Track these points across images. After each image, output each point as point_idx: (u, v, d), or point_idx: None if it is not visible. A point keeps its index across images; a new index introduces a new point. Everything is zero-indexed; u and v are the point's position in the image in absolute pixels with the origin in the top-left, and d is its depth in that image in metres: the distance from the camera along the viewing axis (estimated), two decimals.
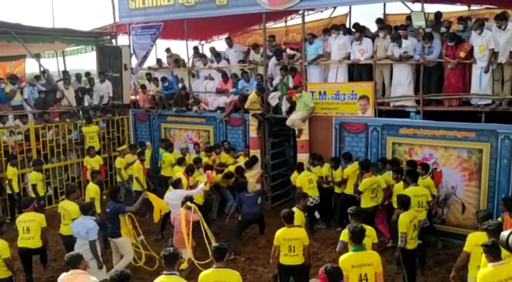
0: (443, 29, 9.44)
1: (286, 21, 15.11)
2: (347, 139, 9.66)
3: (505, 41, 7.97)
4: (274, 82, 10.48)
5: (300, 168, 9.29)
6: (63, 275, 5.03)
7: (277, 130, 10.93)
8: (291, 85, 10.17)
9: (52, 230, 9.37)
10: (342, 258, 5.03)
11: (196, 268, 7.21)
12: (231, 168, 10.03)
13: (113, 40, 13.35)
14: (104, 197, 11.33)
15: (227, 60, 11.92)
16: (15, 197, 10.03)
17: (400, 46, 9.03)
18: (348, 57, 9.68)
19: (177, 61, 12.95)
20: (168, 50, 13.41)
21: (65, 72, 13.37)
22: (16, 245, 7.17)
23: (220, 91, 11.55)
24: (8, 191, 10.03)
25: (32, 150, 10.78)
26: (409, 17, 9.75)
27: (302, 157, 9.91)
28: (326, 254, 8.11)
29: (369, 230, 5.72)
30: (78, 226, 6.63)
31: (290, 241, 5.99)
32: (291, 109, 10.02)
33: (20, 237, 7.05)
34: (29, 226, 7.00)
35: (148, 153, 11.51)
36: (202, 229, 7.69)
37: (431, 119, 8.84)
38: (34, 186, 9.62)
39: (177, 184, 8.28)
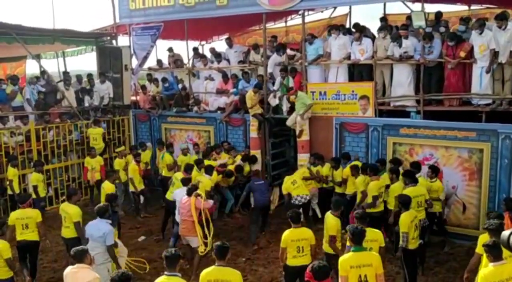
0: (442, 29, 9.44)
1: (286, 22, 15.12)
2: (348, 139, 9.66)
3: (506, 41, 7.96)
4: (276, 86, 10.47)
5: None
6: (68, 269, 5.21)
7: (278, 130, 10.93)
8: (291, 86, 10.16)
9: (53, 230, 9.39)
10: (341, 258, 5.01)
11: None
12: (231, 168, 10.04)
13: (113, 41, 13.37)
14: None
15: (227, 60, 11.93)
16: (16, 198, 10.02)
17: (400, 46, 9.03)
18: (348, 57, 9.68)
19: (176, 61, 12.96)
20: (170, 49, 13.43)
21: (65, 73, 13.40)
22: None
23: (220, 92, 11.56)
24: (9, 192, 10.03)
25: (33, 150, 10.79)
26: (409, 17, 9.75)
27: (303, 157, 9.91)
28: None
29: (376, 234, 5.68)
30: (93, 228, 6.40)
31: (299, 241, 5.93)
32: (292, 109, 10.02)
33: (20, 232, 7.12)
34: (28, 223, 7.11)
35: (148, 154, 11.51)
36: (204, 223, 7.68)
37: (432, 119, 8.84)
38: (35, 187, 9.61)
39: (187, 182, 8.36)
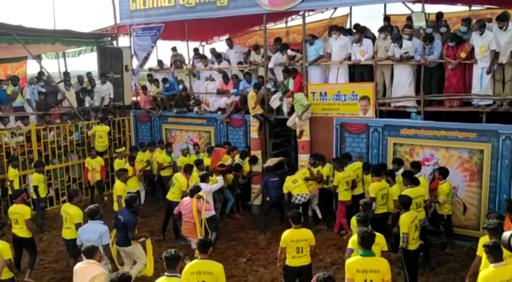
0: (443, 29, 9.43)
1: (286, 22, 15.13)
2: (348, 140, 9.66)
3: (506, 41, 7.96)
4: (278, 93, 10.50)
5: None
6: (78, 264, 5.35)
7: (279, 131, 10.93)
8: (291, 87, 10.17)
9: (54, 231, 9.42)
10: (348, 261, 4.98)
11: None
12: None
13: (114, 42, 13.38)
14: (106, 198, 11.43)
15: (228, 61, 11.93)
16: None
17: (400, 46, 9.02)
18: (348, 58, 9.68)
19: (176, 62, 12.97)
20: (174, 49, 13.43)
21: (66, 74, 13.40)
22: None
23: (221, 92, 11.56)
24: (10, 192, 10.03)
25: (34, 151, 10.80)
26: (409, 18, 9.74)
27: (303, 158, 9.91)
28: (327, 254, 8.11)
29: (378, 237, 5.60)
30: (88, 232, 6.39)
31: (298, 242, 5.92)
32: (292, 110, 10.03)
33: (13, 226, 7.46)
34: (17, 218, 7.37)
35: (148, 154, 11.49)
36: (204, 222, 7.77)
37: (432, 119, 8.84)
38: (35, 187, 9.61)
39: (204, 178, 8.65)
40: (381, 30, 9.57)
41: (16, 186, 9.89)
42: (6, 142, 10.40)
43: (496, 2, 11.45)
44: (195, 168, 9.41)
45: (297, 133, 9.97)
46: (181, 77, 13.14)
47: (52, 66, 16.51)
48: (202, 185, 8.19)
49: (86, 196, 11.38)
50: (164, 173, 11.02)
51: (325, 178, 9.33)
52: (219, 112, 11.48)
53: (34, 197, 9.70)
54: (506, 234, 3.77)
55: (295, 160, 10.47)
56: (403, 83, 9.13)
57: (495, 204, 8.07)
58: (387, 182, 7.96)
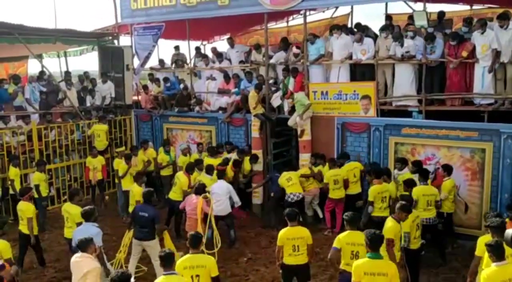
0: (448, 31, 9.39)
1: (287, 21, 15.11)
2: (349, 139, 9.64)
3: (508, 40, 7.95)
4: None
5: None
6: (73, 257, 5.46)
7: (280, 130, 10.92)
8: (291, 86, 10.15)
9: (55, 230, 9.42)
10: (356, 263, 4.89)
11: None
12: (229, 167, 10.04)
13: (115, 41, 13.39)
14: (107, 197, 11.43)
15: (229, 60, 11.92)
16: (18, 198, 10.03)
17: (402, 45, 9.01)
18: (350, 57, 9.67)
19: (176, 62, 12.97)
20: (177, 48, 13.43)
21: (67, 73, 13.41)
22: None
23: (222, 92, 11.55)
24: (11, 191, 10.04)
25: (35, 150, 10.80)
26: (411, 17, 9.73)
27: (305, 157, 9.90)
28: (328, 254, 8.07)
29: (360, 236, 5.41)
30: (81, 233, 6.25)
31: (294, 240, 5.94)
32: (293, 109, 10.02)
33: (19, 222, 7.71)
34: (21, 215, 7.60)
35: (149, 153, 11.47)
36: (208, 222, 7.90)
37: (434, 119, 8.82)
38: (37, 186, 9.61)
39: (221, 175, 8.89)
40: (382, 29, 9.56)
41: (17, 185, 9.89)
42: (7, 141, 10.41)
43: (497, 1, 11.42)
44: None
45: (298, 132, 9.96)
46: (182, 77, 13.13)
47: (53, 65, 16.56)
48: (217, 183, 8.60)
49: (87, 195, 11.39)
50: (163, 173, 11.02)
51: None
52: (220, 111, 11.48)
53: (36, 196, 9.70)
54: (509, 231, 3.77)
55: (296, 159, 10.47)
56: (404, 83, 9.11)
57: (497, 203, 8.05)
58: (384, 180, 7.98)
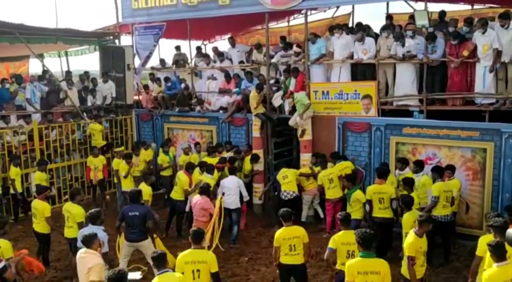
0: (451, 29, 9.36)
1: (288, 21, 15.09)
2: (350, 139, 9.63)
3: (509, 40, 7.93)
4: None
5: None
6: (78, 253, 5.49)
7: (280, 130, 10.92)
8: (291, 87, 10.14)
9: (56, 229, 9.40)
10: (348, 263, 4.92)
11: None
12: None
13: (116, 41, 13.39)
14: (108, 197, 11.43)
15: (230, 60, 11.92)
16: (18, 197, 10.06)
17: (403, 45, 9.00)
18: (351, 56, 9.66)
19: (177, 62, 12.96)
20: (178, 47, 13.43)
21: (68, 73, 13.41)
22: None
23: (223, 91, 11.55)
24: (12, 191, 10.05)
25: (36, 150, 10.81)
26: (412, 16, 9.71)
27: (306, 157, 9.90)
28: None
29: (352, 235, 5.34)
30: None
31: (290, 240, 5.97)
32: (294, 109, 10.01)
33: (33, 221, 7.77)
34: (36, 213, 7.65)
35: (150, 153, 11.47)
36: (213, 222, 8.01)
37: (435, 118, 8.80)
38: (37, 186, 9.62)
39: (233, 171, 9.15)
40: (383, 29, 9.55)
41: (18, 184, 9.91)
42: (8, 141, 10.41)
43: (498, 0, 11.40)
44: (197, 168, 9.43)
45: (299, 132, 9.96)
46: (183, 76, 13.13)
47: (54, 65, 16.60)
48: (228, 178, 8.94)
49: (88, 195, 11.38)
50: (164, 173, 11.02)
51: None
52: (221, 111, 11.47)
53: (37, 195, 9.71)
54: (510, 231, 3.76)
55: (297, 159, 10.46)
56: (405, 82, 9.10)
57: (498, 203, 8.04)
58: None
